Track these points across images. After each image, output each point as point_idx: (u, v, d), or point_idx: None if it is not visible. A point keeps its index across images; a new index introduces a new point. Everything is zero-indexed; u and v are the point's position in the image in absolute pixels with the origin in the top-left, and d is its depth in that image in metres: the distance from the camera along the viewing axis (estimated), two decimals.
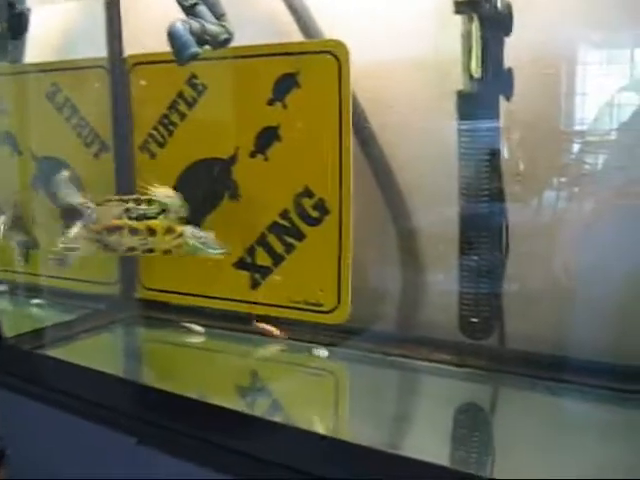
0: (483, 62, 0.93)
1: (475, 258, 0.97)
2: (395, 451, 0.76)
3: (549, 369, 0.95)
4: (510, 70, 0.94)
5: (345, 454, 0.76)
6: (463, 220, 0.97)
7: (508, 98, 0.95)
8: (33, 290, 1.38)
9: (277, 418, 0.90)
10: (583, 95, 0.97)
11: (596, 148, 0.98)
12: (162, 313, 1.27)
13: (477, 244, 0.96)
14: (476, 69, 0.93)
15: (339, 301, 1.07)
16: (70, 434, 1.02)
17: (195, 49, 0.95)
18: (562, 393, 0.92)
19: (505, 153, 0.99)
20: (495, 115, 0.95)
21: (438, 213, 1.06)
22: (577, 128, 0.99)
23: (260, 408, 0.95)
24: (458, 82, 0.96)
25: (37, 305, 1.36)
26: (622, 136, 0.95)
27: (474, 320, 0.98)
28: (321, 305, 1.09)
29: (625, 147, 0.96)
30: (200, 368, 1.10)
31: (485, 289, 0.98)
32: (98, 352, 1.17)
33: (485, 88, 0.94)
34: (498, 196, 0.96)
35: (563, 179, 1.00)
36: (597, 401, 0.90)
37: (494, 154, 0.96)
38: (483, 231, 0.96)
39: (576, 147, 0.99)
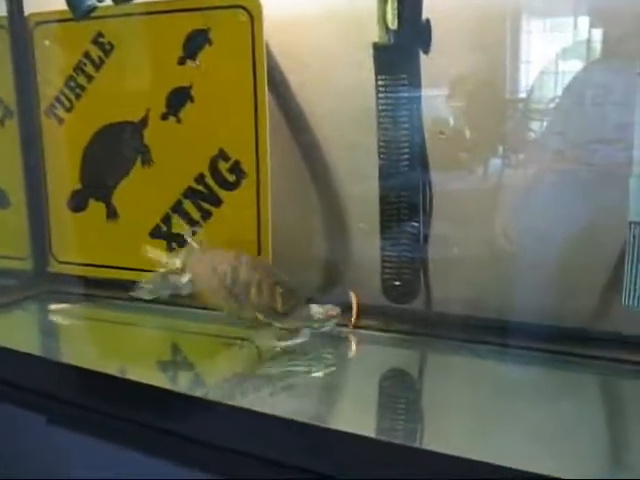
0: (399, 13, 0.89)
1: (395, 220, 0.93)
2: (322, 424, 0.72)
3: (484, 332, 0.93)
4: (428, 22, 0.90)
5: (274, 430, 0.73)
6: (382, 180, 0.93)
7: (426, 51, 0.91)
8: None
9: (197, 393, 0.86)
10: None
11: (535, 112, 0.96)
12: (79, 287, 1.20)
13: (397, 206, 0.93)
14: (392, 20, 0.89)
15: None
16: None
17: (91, 2, 0.88)
18: (493, 356, 0.90)
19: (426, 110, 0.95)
20: (414, 69, 0.91)
21: (359, 173, 1.02)
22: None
23: (181, 383, 0.91)
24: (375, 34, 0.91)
25: None
26: (561, 102, 0.93)
27: (396, 284, 0.95)
28: None
29: (563, 113, 0.94)
30: (118, 343, 1.05)
31: (406, 252, 0.95)
32: (9, 330, 1.11)
33: (402, 40, 0.90)
34: (419, 155, 0.92)
35: (484, 135, 0.98)
36: (530, 364, 0.88)
37: (414, 110, 0.92)
38: (403, 192, 0.93)
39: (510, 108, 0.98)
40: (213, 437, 0.77)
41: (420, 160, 0.94)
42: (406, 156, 0.91)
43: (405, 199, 0.92)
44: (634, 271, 0.80)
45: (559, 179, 0.94)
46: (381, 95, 0.92)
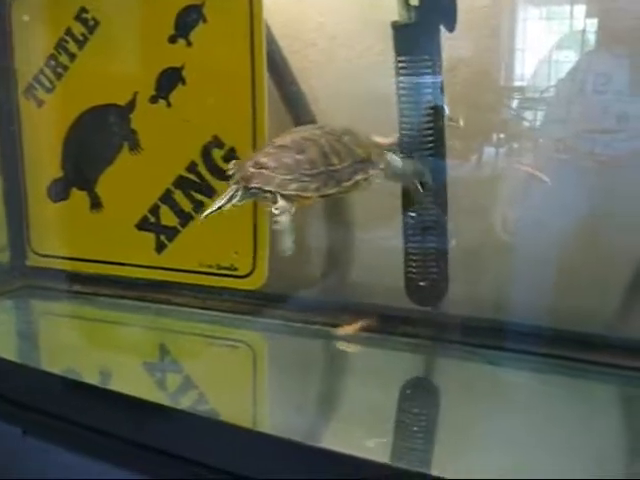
0: None
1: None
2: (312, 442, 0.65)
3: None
4: None
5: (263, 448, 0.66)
6: None
7: (451, 29, 0.83)
8: None
9: (185, 401, 0.79)
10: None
11: (534, 102, 0.92)
12: (59, 282, 1.13)
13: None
14: None
15: (255, 264, 0.96)
16: None
17: None
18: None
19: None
20: (436, 50, 0.84)
21: None
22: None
23: (167, 391, 0.84)
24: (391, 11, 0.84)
25: None
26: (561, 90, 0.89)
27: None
28: (236, 269, 0.97)
29: (563, 101, 0.89)
30: (100, 344, 0.98)
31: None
32: None
33: (424, 18, 0.82)
34: (441, 141, 0.85)
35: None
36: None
37: (437, 93, 0.84)
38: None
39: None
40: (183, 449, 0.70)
41: (442, 146, 0.86)
42: (430, 143, 0.84)
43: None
44: None
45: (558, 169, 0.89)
46: (402, 78, 0.84)
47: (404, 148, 0.85)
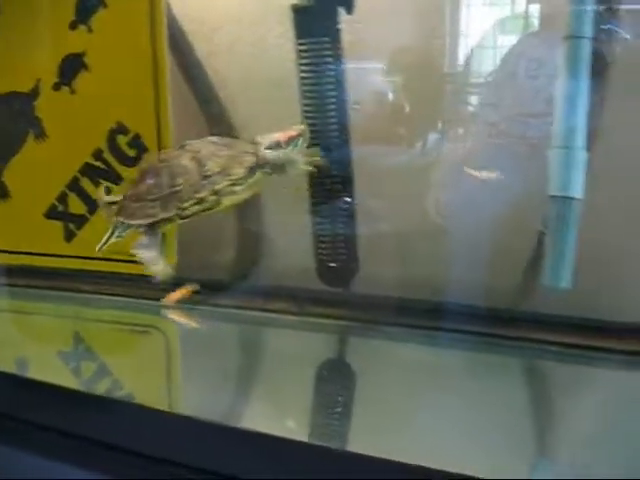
0: None
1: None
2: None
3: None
4: None
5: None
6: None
7: (349, 11, 0.84)
8: None
9: (101, 388, 0.79)
10: None
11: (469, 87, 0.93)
12: None
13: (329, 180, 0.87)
14: None
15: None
16: None
17: None
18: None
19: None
20: (336, 33, 0.84)
21: None
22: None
23: (82, 378, 0.83)
24: None
25: None
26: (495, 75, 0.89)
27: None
28: None
29: (497, 86, 0.90)
30: (12, 335, 0.96)
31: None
32: None
33: (322, 0, 0.83)
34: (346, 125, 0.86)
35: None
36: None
37: (339, 76, 0.85)
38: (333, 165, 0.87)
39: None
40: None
41: (346, 129, 0.87)
42: (333, 126, 0.85)
43: (336, 172, 0.87)
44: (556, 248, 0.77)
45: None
46: (302, 61, 0.85)
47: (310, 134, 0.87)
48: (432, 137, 0.93)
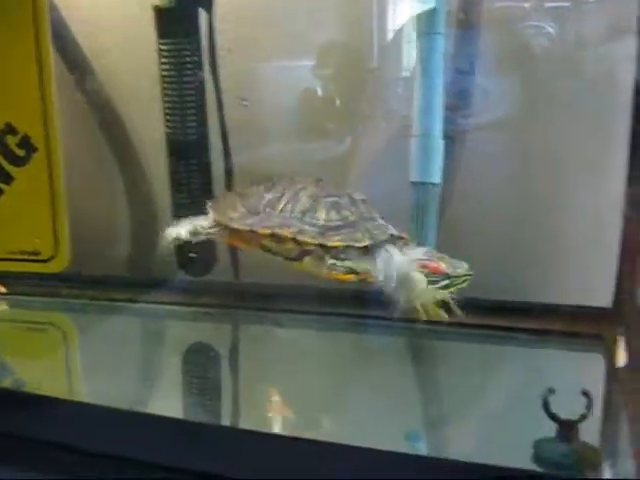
0: None
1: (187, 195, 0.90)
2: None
3: None
4: None
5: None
6: (170, 151, 0.89)
7: (209, 11, 0.86)
8: None
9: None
10: None
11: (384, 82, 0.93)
12: None
13: (188, 176, 0.89)
14: None
15: (57, 248, 0.97)
16: None
17: None
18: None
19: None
20: (197, 33, 0.87)
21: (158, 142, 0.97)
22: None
23: None
24: None
25: None
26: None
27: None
28: (39, 254, 0.98)
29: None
30: None
31: None
32: None
33: (183, 1, 0.85)
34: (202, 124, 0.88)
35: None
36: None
37: (198, 77, 0.88)
38: (193, 163, 0.89)
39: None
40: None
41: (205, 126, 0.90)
42: (194, 124, 0.87)
43: (196, 170, 0.88)
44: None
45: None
46: (164, 60, 0.87)
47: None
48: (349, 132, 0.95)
